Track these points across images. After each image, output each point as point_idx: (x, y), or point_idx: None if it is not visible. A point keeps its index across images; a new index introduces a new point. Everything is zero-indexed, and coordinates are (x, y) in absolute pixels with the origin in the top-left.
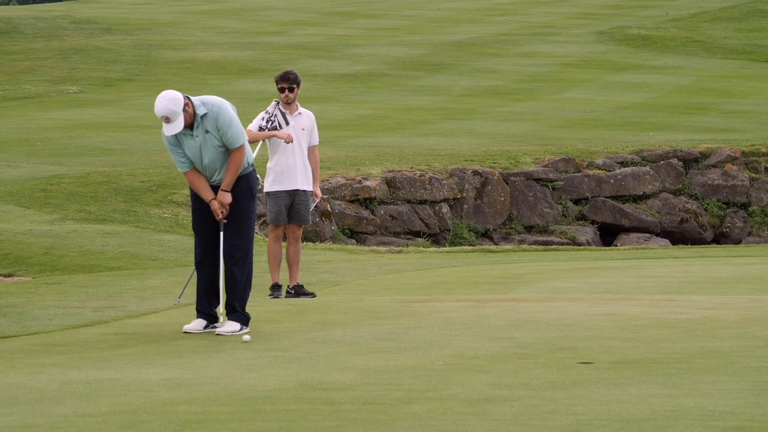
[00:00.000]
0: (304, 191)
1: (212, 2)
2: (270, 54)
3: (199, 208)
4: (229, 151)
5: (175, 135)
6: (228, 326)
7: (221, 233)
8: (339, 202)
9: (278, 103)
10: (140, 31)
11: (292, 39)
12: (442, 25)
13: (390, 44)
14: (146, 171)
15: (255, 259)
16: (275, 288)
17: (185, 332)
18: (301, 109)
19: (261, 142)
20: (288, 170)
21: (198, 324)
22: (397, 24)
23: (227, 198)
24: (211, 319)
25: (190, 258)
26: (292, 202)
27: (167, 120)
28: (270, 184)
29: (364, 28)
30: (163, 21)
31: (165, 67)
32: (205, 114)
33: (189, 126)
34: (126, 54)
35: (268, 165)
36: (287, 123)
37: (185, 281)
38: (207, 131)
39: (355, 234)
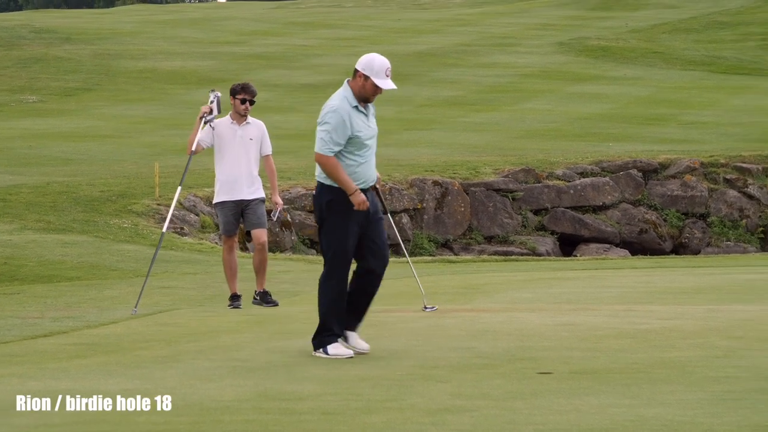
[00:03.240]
0: (250, 200)
1: (172, 12)
2: (230, 64)
3: (356, 215)
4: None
5: (349, 112)
6: (362, 343)
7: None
8: (299, 212)
9: (218, 97)
10: (100, 41)
11: (253, 49)
12: (402, 36)
13: (350, 54)
14: (106, 181)
15: (218, 268)
16: (234, 298)
17: (356, 353)
18: (249, 119)
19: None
20: (233, 180)
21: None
22: (357, 34)
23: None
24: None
25: (147, 268)
26: (243, 211)
27: (388, 73)
28: (217, 194)
29: (324, 39)
30: (123, 31)
31: (125, 77)
32: None
33: (364, 105)
34: (86, 63)
35: (216, 176)
36: (219, 111)
37: (141, 291)
38: (374, 115)
39: (315, 244)
